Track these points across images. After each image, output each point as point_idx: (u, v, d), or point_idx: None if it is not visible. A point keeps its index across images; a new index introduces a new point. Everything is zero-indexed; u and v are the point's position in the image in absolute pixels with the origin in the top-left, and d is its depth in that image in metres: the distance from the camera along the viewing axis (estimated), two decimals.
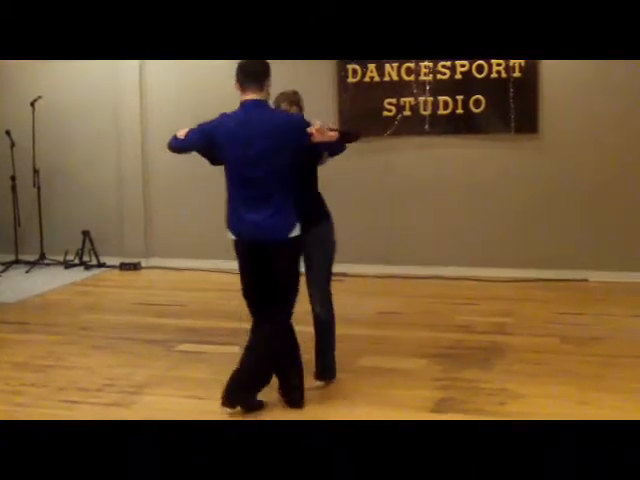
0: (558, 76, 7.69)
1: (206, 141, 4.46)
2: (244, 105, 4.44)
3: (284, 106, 4.70)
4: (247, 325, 4.73)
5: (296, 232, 4.49)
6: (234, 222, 4.52)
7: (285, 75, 8.11)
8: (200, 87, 8.49)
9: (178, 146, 4.51)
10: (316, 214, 4.76)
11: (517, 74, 7.72)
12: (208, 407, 4.53)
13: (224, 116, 4.49)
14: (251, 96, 4.41)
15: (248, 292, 4.63)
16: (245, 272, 4.59)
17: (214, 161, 4.63)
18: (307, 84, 8.26)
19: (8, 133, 8.92)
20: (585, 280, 7.69)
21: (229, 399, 4.42)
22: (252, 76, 4.41)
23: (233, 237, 4.55)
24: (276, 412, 4.54)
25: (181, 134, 4.47)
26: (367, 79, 8.15)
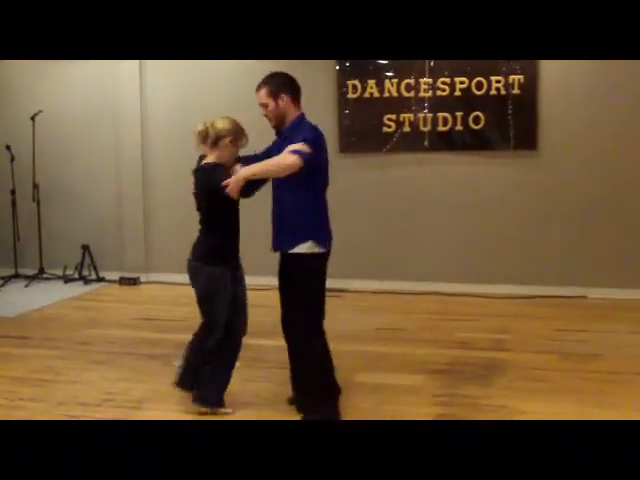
0: (557, 93, 7.72)
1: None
2: (305, 117, 4.67)
3: None
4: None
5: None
6: (327, 233, 4.74)
7: None
8: (201, 101, 8.52)
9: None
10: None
11: (516, 91, 7.76)
12: None
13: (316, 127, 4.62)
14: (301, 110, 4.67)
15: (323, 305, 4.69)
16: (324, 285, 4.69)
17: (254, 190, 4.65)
18: (307, 100, 8.27)
19: (8, 147, 8.94)
20: (584, 297, 7.70)
21: None
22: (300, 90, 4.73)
23: (323, 250, 4.62)
24: (277, 412, 4.60)
25: (305, 149, 4.39)
26: (367, 95, 8.18)
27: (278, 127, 4.62)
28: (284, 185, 4.48)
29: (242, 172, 4.39)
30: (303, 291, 4.56)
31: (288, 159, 4.36)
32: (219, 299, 4.57)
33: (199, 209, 4.62)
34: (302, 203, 4.52)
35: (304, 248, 4.49)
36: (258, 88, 4.62)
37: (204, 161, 4.57)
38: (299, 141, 4.39)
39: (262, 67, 7.32)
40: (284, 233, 4.57)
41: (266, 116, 4.61)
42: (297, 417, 4.61)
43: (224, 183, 4.35)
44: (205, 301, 4.64)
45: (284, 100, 4.55)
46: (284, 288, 4.66)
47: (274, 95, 4.54)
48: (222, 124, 4.53)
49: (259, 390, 5.13)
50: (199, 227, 4.65)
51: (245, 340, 4.78)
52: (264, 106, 4.58)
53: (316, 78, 8.29)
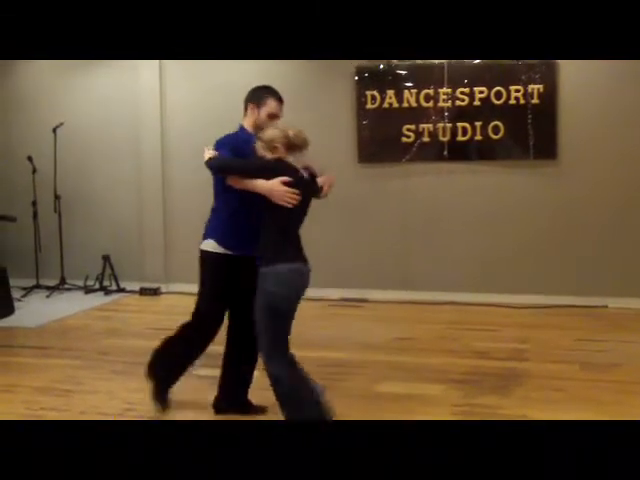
0: (576, 102, 7.71)
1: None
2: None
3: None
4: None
5: (206, 246, 4.72)
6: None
7: (305, 100, 8.21)
8: (221, 112, 8.56)
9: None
10: (262, 257, 4.35)
11: (535, 100, 7.75)
12: None
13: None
14: None
15: None
16: None
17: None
18: (326, 110, 8.35)
19: (30, 159, 9.01)
20: (605, 306, 7.67)
21: None
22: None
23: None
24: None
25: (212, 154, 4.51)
26: (386, 105, 8.19)
27: None
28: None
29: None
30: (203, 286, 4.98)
31: None
32: None
33: (304, 215, 4.46)
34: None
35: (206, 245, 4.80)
36: (282, 101, 4.73)
37: (304, 167, 4.44)
38: None
39: (283, 78, 7.38)
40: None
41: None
42: None
43: (321, 185, 4.56)
44: None
45: None
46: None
47: None
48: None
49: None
50: (292, 236, 4.40)
51: None
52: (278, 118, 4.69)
53: (335, 88, 8.34)
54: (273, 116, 4.63)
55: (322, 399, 4.21)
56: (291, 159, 4.36)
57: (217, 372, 5.05)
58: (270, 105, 4.65)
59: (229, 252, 4.63)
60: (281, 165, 4.32)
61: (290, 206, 4.21)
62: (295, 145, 4.33)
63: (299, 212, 4.34)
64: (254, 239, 4.39)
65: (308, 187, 4.38)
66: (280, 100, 4.70)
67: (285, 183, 4.22)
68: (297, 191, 4.23)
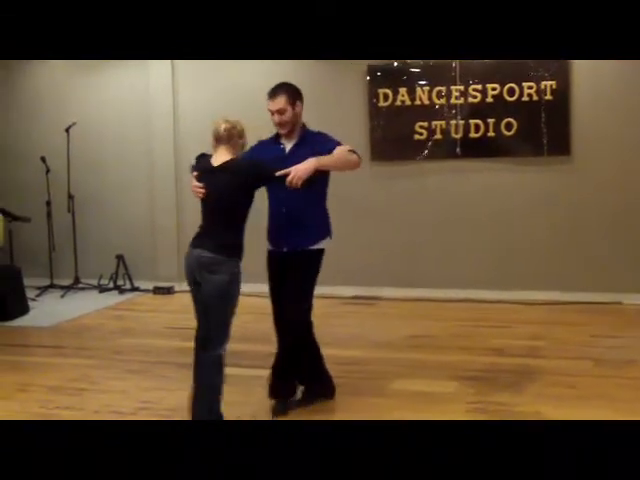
0: (590, 98, 7.68)
1: None
2: None
3: None
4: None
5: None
6: None
7: (317, 99, 8.20)
8: (233, 112, 8.55)
9: None
10: None
11: (548, 97, 7.72)
12: None
13: None
14: None
15: None
16: None
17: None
18: (338, 109, 8.34)
19: (43, 159, 9.04)
20: (619, 303, 7.63)
21: None
22: None
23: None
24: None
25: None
26: (398, 103, 8.18)
27: (290, 133, 4.80)
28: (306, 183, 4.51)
29: (313, 162, 4.45)
30: (313, 284, 4.84)
31: (354, 157, 4.68)
32: (235, 299, 4.50)
33: (222, 205, 4.45)
34: (322, 201, 4.84)
35: (324, 244, 4.82)
36: (276, 95, 4.76)
37: (220, 158, 4.47)
38: (328, 146, 4.68)
39: (294, 77, 7.37)
40: (306, 230, 4.76)
41: (280, 123, 4.75)
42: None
43: (283, 172, 4.39)
44: (218, 300, 4.47)
45: (300, 107, 4.79)
46: (295, 284, 4.77)
47: (292, 102, 4.74)
48: (240, 123, 4.59)
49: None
50: (203, 224, 4.59)
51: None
52: (281, 112, 4.73)
53: (347, 87, 8.33)
54: (272, 112, 4.78)
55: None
56: (220, 149, 4.52)
57: (231, 371, 5.04)
58: (268, 104, 4.80)
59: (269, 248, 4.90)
60: (198, 160, 4.68)
61: (199, 197, 4.52)
62: (215, 137, 4.55)
63: (210, 201, 4.50)
64: (282, 235, 4.76)
65: (218, 175, 4.43)
66: (271, 95, 4.78)
67: (195, 177, 4.55)
68: (199, 184, 4.49)
